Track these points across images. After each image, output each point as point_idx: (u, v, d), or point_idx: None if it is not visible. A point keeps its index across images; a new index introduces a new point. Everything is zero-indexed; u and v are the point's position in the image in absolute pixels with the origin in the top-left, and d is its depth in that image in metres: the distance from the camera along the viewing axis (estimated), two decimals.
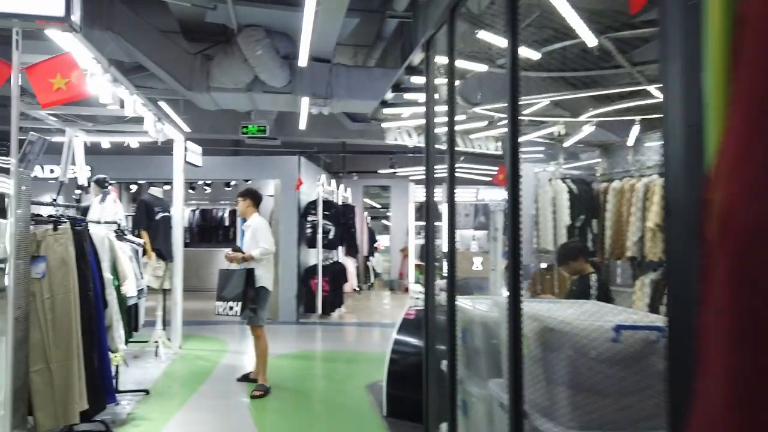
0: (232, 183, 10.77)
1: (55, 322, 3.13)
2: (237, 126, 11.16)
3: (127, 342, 4.87)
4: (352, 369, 6.47)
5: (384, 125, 5.63)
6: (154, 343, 6.64)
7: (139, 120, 5.31)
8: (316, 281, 9.25)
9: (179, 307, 7.06)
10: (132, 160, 9.48)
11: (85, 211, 6.93)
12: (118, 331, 3.85)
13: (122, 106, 4.80)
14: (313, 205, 9.55)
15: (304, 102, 7.32)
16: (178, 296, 7.08)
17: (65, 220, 3.33)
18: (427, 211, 3.21)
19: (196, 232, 13.58)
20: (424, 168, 3.21)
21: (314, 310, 9.25)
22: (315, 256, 9.46)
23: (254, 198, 5.48)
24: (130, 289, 4.26)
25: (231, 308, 5.06)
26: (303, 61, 6.05)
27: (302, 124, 9.20)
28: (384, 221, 24.28)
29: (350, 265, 11.37)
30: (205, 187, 13.04)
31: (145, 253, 6.55)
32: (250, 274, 5.19)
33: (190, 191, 13.29)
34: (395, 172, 11.35)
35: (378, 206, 20.11)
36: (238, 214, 5.64)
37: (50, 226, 3.18)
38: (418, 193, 13.35)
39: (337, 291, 9.73)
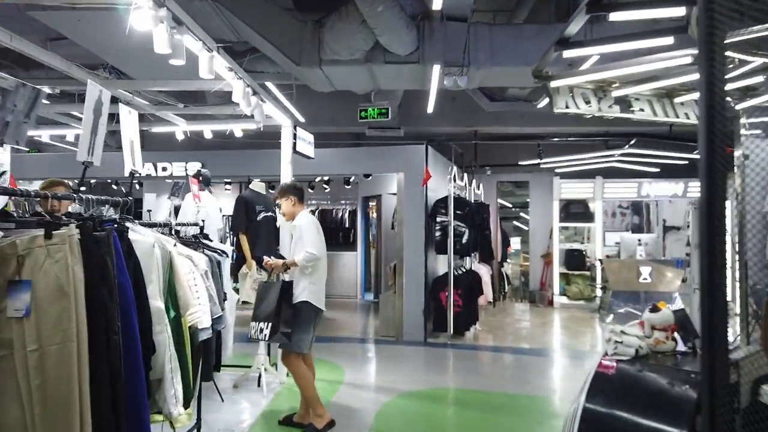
0: (352, 179, 9.57)
1: (45, 390, 1.89)
2: (356, 116, 9.96)
3: (208, 379, 3.68)
4: (504, 423, 4.81)
5: (555, 84, 3.93)
6: (256, 370, 5.51)
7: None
8: (447, 294, 7.70)
9: None
10: (240, 156, 8.60)
11: (176, 210, 5.99)
12: (172, 388, 2.58)
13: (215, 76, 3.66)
14: (442, 203, 8.02)
15: (435, 72, 5.81)
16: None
17: (68, 220, 2.08)
18: (709, 213, 1.51)
19: None
20: (705, 148, 1.54)
21: (445, 329, 7.71)
22: (445, 264, 7.93)
23: (297, 194, 4.47)
24: (200, 318, 3.01)
25: (261, 330, 4.17)
26: (437, 2, 4.53)
27: (430, 106, 7.72)
28: (514, 222, 22.19)
29: (484, 273, 9.69)
30: (324, 186, 12.05)
31: (243, 261, 5.43)
32: (287, 287, 4.24)
33: (309, 191, 12.40)
34: (539, 163, 9.50)
35: (508, 205, 18.13)
36: (285, 218, 4.51)
37: (40, 232, 1.94)
38: (566, 189, 11.30)
39: (471, 306, 8.10)
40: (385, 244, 11.40)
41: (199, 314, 3.04)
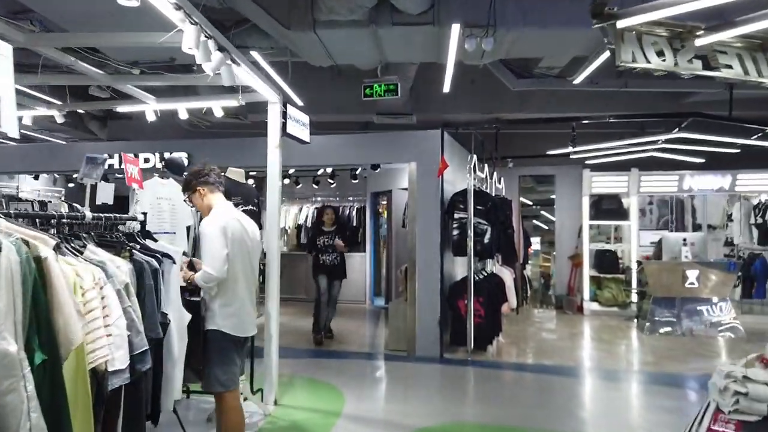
0: (358, 171, 8.53)
1: None
2: (364, 102, 8.92)
3: None
4: None
5: (623, 24, 2.85)
6: None
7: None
8: (467, 302, 6.63)
9: (274, 346, 4.86)
10: (231, 145, 7.60)
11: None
12: None
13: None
14: (461, 197, 6.95)
15: (454, 34, 4.74)
16: (273, 328, 4.88)
17: None
18: None
19: None
20: None
21: (464, 342, 6.64)
22: (464, 268, 6.86)
23: (203, 180, 3.38)
24: (108, 356, 1.99)
25: None
26: None
27: (446, 84, 6.66)
28: (534, 220, 21.00)
29: (507, 277, 8.60)
30: (329, 180, 11.01)
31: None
32: (194, 308, 3.20)
33: (314, 186, 11.39)
34: (570, 153, 8.38)
35: (528, 203, 16.99)
36: (202, 214, 3.45)
37: None
38: (597, 183, 10.16)
39: (494, 316, 7.02)
40: (396, 244, 10.34)
41: (105, 351, 2.02)
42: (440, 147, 6.79)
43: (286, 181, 11.14)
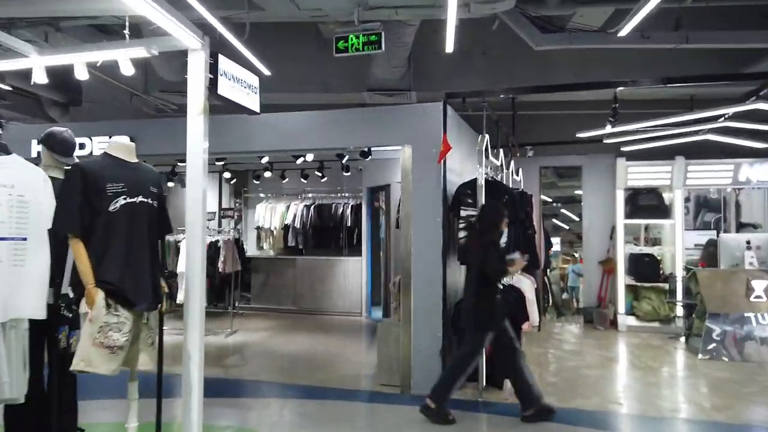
0: (345, 159, 7.02)
1: None
2: (355, 80, 7.47)
3: None
4: None
5: None
6: None
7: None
8: None
9: (196, 399, 3.35)
10: (181, 125, 6.13)
11: None
12: None
13: None
14: (469, 189, 5.42)
15: None
16: (193, 375, 3.40)
17: None
18: None
19: (311, 236, 10.15)
20: None
21: (473, 377, 5.09)
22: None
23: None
24: None
25: None
26: None
27: (449, 42, 5.14)
28: (554, 219, 19.36)
29: (528, 288, 7.05)
30: (318, 173, 9.51)
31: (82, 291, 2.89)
32: None
33: (302, 180, 9.91)
34: (605, 136, 6.80)
35: (548, 199, 15.39)
36: None
37: None
38: (635, 175, 8.55)
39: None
40: (395, 248, 8.83)
41: None
42: (442, 124, 5.26)
43: (268, 174, 9.67)
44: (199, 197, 3.40)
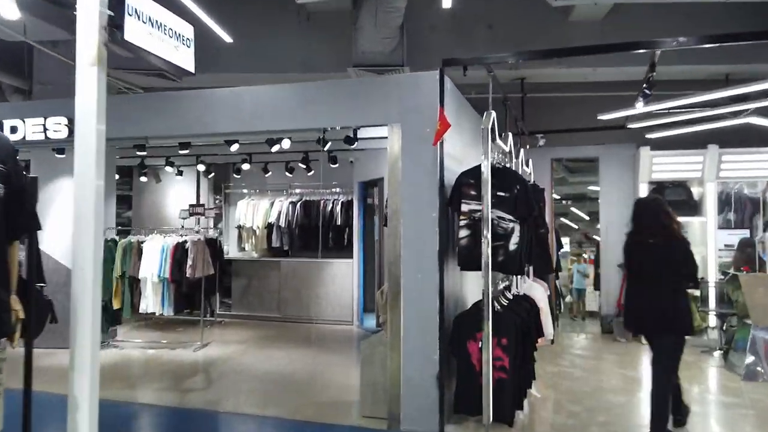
0: (326, 147, 6.03)
1: None
2: (339, 56, 6.56)
3: None
4: None
5: None
6: None
7: None
8: (481, 345, 4.08)
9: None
10: (136, 104, 5.21)
11: None
12: None
13: None
14: (472, 178, 4.40)
15: None
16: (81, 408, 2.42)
17: None
18: None
19: (297, 235, 9.17)
20: None
21: (476, 410, 4.09)
22: (477, 287, 4.32)
23: None
24: None
25: None
26: None
27: None
28: (563, 218, 18.35)
29: (541, 296, 6.07)
30: (302, 165, 8.52)
31: None
32: None
33: (287, 174, 8.94)
34: (629, 119, 5.81)
35: (556, 196, 14.42)
36: None
37: None
38: (661, 167, 7.55)
39: (525, 365, 4.49)
40: (387, 249, 7.84)
41: None
42: (439, 96, 4.27)
43: (247, 167, 8.69)
44: (90, 179, 2.42)
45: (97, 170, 2.44)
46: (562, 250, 11.14)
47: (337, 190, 9.23)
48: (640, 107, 5.19)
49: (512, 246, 4.28)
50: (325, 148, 5.89)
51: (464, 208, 4.44)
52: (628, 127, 6.64)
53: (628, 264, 4.42)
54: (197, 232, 7.76)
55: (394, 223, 4.40)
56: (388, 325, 4.45)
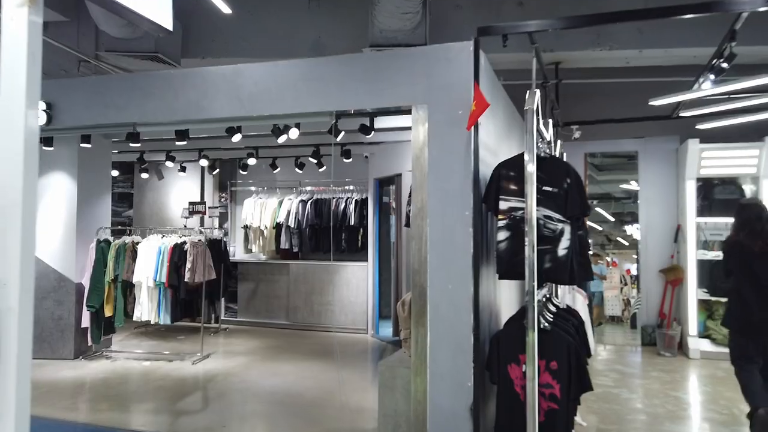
0: (341, 137, 5.34)
1: None
2: (354, 36, 5.92)
3: None
4: None
5: None
6: None
7: None
8: (524, 369, 3.36)
9: None
10: (113, 85, 4.57)
11: None
12: None
13: None
14: (513, 170, 3.68)
15: None
16: None
17: None
18: None
19: (308, 236, 8.51)
20: None
21: None
22: (512, 300, 3.61)
23: None
24: None
25: None
26: None
27: None
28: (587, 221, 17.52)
29: (581, 307, 5.38)
30: (312, 159, 7.86)
31: None
32: None
33: (297, 171, 8.29)
34: (682, 106, 5.05)
35: None
36: None
37: None
38: (711, 162, 6.78)
39: (577, 392, 3.75)
40: (407, 253, 7.17)
41: None
42: (473, 73, 3.57)
43: (253, 161, 8.05)
44: (17, 154, 1.75)
45: (26, 126, 1.77)
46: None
47: (351, 187, 8.56)
48: (707, 89, 4.43)
49: (561, 251, 3.57)
50: (338, 139, 5.22)
51: (503, 205, 3.72)
52: (680, 115, 5.88)
53: (728, 266, 4.26)
54: (201, 232, 7.15)
55: (419, 223, 3.71)
56: (411, 343, 3.75)
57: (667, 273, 7.41)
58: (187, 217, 8.44)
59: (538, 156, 3.59)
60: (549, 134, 4.40)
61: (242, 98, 4.19)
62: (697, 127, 6.33)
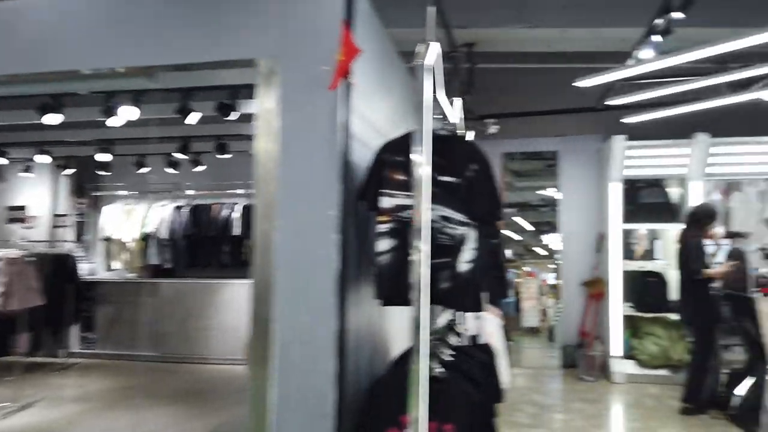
0: (194, 116, 4.07)
1: None
2: None
3: None
4: None
5: None
6: None
7: None
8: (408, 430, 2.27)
9: None
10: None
11: None
12: None
13: None
14: (398, 155, 2.60)
15: None
16: None
17: None
18: None
19: (184, 250, 7.14)
20: None
21: None
22: (402, 329, 2.52)
23: None
24: None
25: None
26: None
27: None
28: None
29: (494, 331, 4.41)
30: (182, 155, 6.52)
31: None
32: None
33: (171, 171, 6.94)
34: (606, 96, 4.24)
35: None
36: None
37: None
38: (636, 161, 6.12)
39: None
40: (253, 271, 5.97)
41: None
42: (343, 11, 2.50)
43: (106, 157, 6.61)
44: None
45: None
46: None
47: (237, 191, 7.27)
48: (647, 57, 3.59)
49: (464, 265, 2.54)
50: (188, 121, 3.99)
51: (387, 203, 2.64)
52: (606, 104, 5.10)
53: None
54: (52, 245, 5.66)
55: (264, 228, 2.56)
56: (249, 401, 2.59)
57: (589, 286, 6.69)
58: (30, 228, 6.86)
59: (435, 134, 2.56)
60: (454, 112, 3.38)
61: (21, 49, 2.90)
62: (622, 121, 5.62)
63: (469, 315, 3.68)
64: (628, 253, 6.51)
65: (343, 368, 2.43)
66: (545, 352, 7.94)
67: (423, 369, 2.23)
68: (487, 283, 3.91)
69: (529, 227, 16.33)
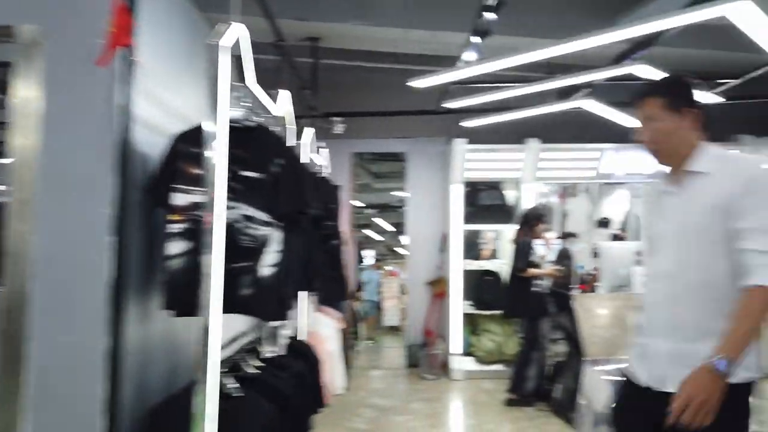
0: None
1: None
2: None
3: None
4: None
5: None
6: None
7: None
8: None
9: None
10: None
11: None
12: None
13: None
14: (193, 146, 2.29)
15: None
16: None
17: None
18: None
19: None
20: None
21: None
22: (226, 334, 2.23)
23: None
24: None
25: None
26: None
27: None
28: (367, 230, 17.22)
29: (328, 333, 4.24)
30: None
31: None
32: None
33: None
34: (444, 99, 4.29)
35: (361, 204, 13.11)
36: None
37: None
38: (476, 164, 6.32)
39: None
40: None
41: None
42: None
43: None
44: None
45: None
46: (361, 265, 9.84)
47: None
48: (470, 60, 3.62)
49: (266, 269, 2.30)
50: None
51: (180, 200, 2.33)
52: (444, 106, 5.17)
53: None
54: None
55: (20, 229, 2.12)
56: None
57: (433, 286, 6.82)
58: None
59: (235, 124, 2.31)
60: (279, 105, 3.15)
61: None
62: (461, 124, 5.75)
63: (302, 319, 3.47)
64: (474, 253, 6.74)
65: (116, 393, 2.07)
66: (402, 352, 8.00)
67: (212, 388, 1.98)
68: (325, 287, 3.76)
69: (390, 228, 16.64)
